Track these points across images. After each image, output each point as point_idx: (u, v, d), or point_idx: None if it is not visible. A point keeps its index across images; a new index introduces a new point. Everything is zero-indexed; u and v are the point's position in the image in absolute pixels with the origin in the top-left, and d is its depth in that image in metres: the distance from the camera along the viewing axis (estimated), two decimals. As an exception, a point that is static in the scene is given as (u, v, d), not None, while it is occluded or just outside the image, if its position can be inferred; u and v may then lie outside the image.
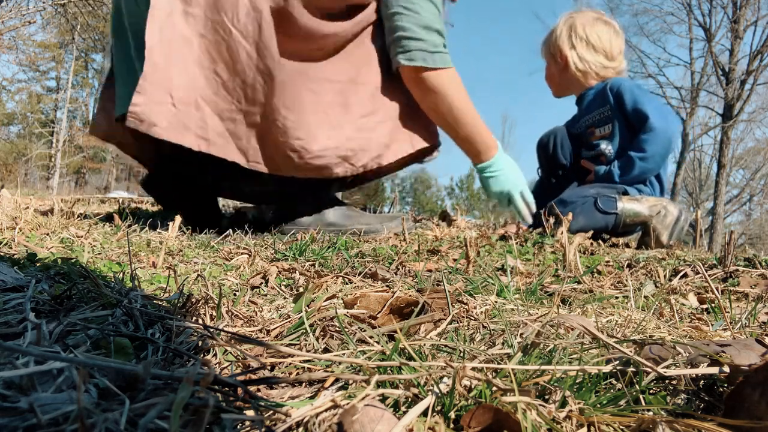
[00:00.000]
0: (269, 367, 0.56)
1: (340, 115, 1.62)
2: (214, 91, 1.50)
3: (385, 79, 1.71)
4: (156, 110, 1.42)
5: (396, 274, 1.15)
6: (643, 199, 2.05)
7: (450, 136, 1.85)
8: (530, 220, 2.08)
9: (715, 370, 0.49)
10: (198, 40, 1.48)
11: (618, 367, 0.51)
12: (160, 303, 0.75)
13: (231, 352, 0.59)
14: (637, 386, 0.48)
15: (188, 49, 1.47)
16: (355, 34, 1.65)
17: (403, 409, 0.46)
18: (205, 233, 1.62)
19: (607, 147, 2.21)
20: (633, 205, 2.02)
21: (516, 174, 1.99)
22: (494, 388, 0.45)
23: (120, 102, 1.58)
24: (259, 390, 0.50)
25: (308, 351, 0.62)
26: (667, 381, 0.50)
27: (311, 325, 0.68)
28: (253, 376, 0.53)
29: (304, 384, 0.51)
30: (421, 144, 1.78)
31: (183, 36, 1.46)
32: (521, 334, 0.68)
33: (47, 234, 1.28)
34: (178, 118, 1.46)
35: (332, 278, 1.01)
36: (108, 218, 1.76)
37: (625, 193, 2.10)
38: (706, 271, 1.25)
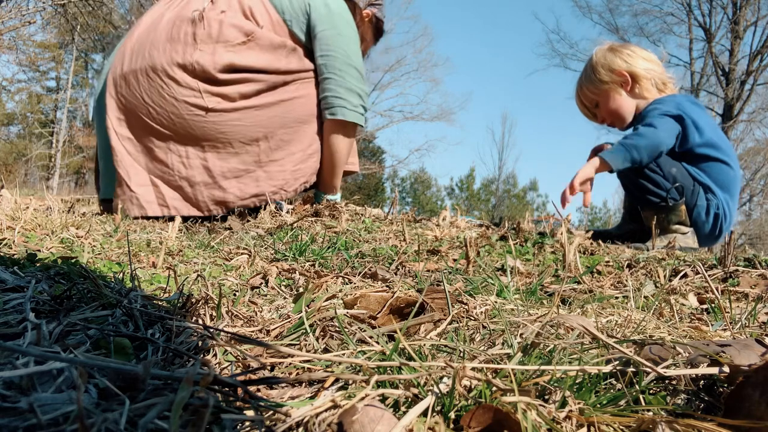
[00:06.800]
0: (269, 368, 0.56)
1: None
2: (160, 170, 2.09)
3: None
4: (127, 204, 2.07)
5: (396, 274, 1.15)
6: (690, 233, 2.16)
7: (326, 167, 2.33)
8: None
9: (715, 370, 0.49)
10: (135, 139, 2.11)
11: (618, 368, 0.51)
12: (160, 303, 0.75)
13: (231, 353, 0.59)
14: (637, 386, 0.48)
15: (132, 146, 2.11)
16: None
17: (403, 409, 0.46)
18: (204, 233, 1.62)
19: None
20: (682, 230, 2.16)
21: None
22: (494, 388, 0.45)
23: (104, 189, 2.24)
24: (259, 390, 0.50)
25: (308, 351, 0.62)
26: (667, 381, 0.50)
27: (311, 326, 0.68)
28: (253, 377, 0.53)
29: (304, 384, 0.51)
30: None
31: (127, 137, 2.11)
32: (521, 335, 0.68)
33: (47, 234, 1.28)
34: (140, 201, 2.07)
35: (332, 278, 1.01)
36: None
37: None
38: (706, 271, 1.25)
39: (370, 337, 0.64)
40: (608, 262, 1.44)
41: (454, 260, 1.39)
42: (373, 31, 2.59)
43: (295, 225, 1.84)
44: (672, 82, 2.33)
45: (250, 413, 0.42)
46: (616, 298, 1.02)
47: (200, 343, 0.61)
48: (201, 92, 2.01)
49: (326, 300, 0.80)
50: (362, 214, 2.20)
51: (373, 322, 0.73)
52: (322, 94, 2.19)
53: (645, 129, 2.04)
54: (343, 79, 2.15)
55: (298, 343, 0.65)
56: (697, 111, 2.18)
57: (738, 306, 0.98)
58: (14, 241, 1.12)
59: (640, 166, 2.06)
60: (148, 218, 2.08)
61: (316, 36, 2.17)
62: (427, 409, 0.42)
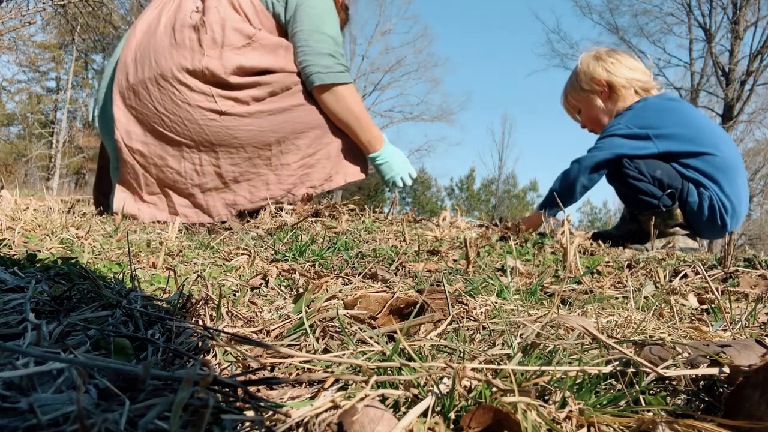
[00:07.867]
0: (269, 368, 0.56)
1: None
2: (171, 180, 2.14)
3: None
4: (137, 215, 2.12)
5: (396, 274, 1.15)
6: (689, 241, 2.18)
7: (347, 132, 2.28)
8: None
9: (715, 370, 0.49)
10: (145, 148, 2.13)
11: (618, 368, 0.51)
12: (159, 303, 0.75)
13: (231, 353, 0.59)
14: (637, 387, 0.48)
15: (143, 158, 2.12)
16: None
17: (403, 409, 0.46)
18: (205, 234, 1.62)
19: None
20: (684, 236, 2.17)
21: (400, 160, 2.42)
22: (494, 389, 0.45)
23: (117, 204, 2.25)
24: (259, 390, 0.50)
25: (308, 352, 0.62)
26: (667, 381, 0.50)
27: (311, 326, 0.68)
28: (253, 377, 0.53)
29: (304, 384, 0.51)
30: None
31: (138, 149, 2.11)
32: (521, 335, 0.68)
33: (47, 234, 1.28)
34: (152, 210, 2.14)
35: (332, 279, 1.01)
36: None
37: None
38: (706, 271, 1.25)
39: (370, 338, 0.64)
40: (608, 262, 1.44)
41: (454, 260, 1.39)
42: (342, 17, 2.61)
43: (295, 226, 1.84)
44: (656, 87, 2.33)
45: (250, 413, 0.42)
46: (616, 298, 1.02)
47: (200, 343, 0.61)
48: (214, 96, 2.03)
49: (326, 300, 0.80)
50: (362, 215, 2.20)
51: (373, 322, 0.73)
52: (298, 69, 2.18)
53: (559, 178, 2.23)
54: (310, 47, 2.14)
55: (298, 343, 0.65)
56: (668, 108, 2.18)
57: (738, 306, 0.98)
58: (14, 242, 1.12)
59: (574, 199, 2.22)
60: None
61: (292, 16, 2.18)
62: (427, 410, 0.42)
